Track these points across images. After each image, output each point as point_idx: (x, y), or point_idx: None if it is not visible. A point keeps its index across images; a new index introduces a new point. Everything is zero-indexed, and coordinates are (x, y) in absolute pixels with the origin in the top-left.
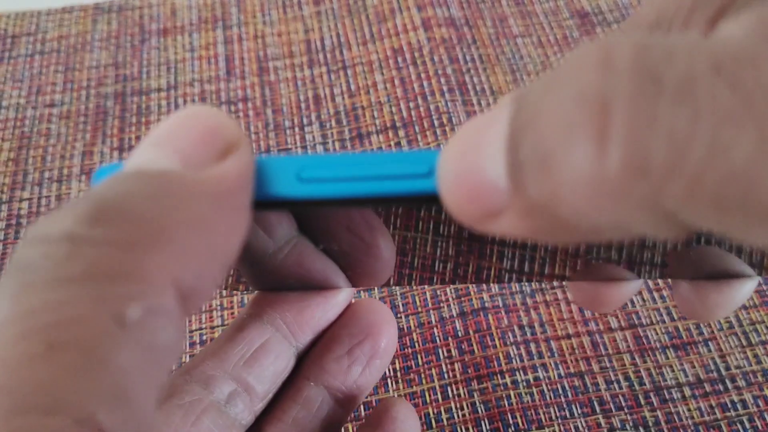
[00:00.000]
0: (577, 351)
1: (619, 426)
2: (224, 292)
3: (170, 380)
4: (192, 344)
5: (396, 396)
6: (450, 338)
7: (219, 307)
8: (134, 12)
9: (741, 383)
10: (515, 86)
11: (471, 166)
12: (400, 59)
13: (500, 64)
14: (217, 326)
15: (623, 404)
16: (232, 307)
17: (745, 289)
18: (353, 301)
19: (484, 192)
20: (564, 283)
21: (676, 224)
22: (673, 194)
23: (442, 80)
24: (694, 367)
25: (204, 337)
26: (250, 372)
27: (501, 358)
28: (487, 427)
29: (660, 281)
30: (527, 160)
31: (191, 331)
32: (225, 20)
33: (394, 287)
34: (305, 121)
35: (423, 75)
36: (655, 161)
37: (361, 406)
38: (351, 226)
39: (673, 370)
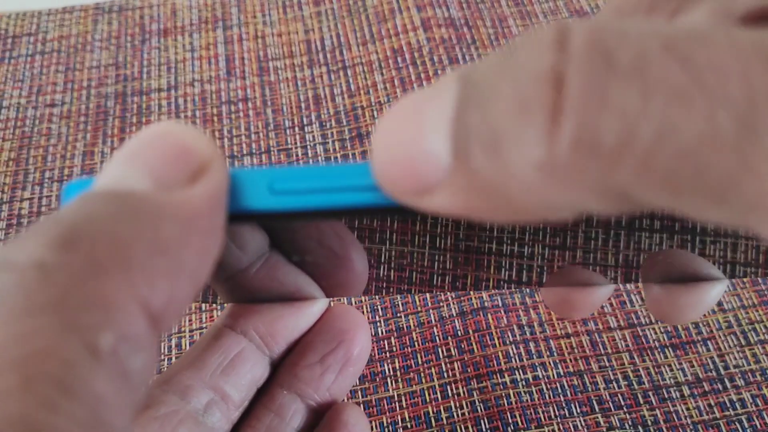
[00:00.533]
0: (576, 350)
1: (618, 425)
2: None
3: (146, 392)
4: (169, 348)
5: (348, 401)
6: (449, 337)
7: (198, 310)
8: (135, 12)
9: (740, 382)
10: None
11: (410, 140)
12: (399, 59)
13: None
14: (196, 329)
15: (622, 403)
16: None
17: (715, 291)
18: (328, 306)
19: (421, 166)
20: (536, 288)
21: (627, 201)
22: (624, 172)
23: None
24: (692, 366)
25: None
26: (226, 381)
27: (500, 357)
28: (487, 426)
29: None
30: (476, 138)
31: (170, 335)
32: (225, 20)
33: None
34: (305, 121)
35: (423, 75)
36: (607, 139)
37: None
38: (322, 238)
39: (671, 369)
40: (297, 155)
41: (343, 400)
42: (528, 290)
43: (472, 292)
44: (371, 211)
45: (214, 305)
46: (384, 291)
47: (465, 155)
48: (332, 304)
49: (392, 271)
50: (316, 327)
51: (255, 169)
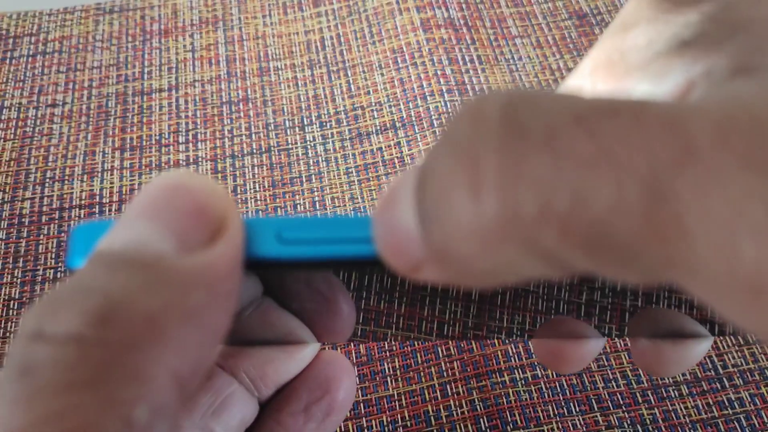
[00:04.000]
0: None
1: (616, 423)
2: None
3: None
4: None
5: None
6: None
7: None
8: (136, 13)
9: (738, 381)
10: (514, 87)
11: (390, 224)
12: (399, 60)
13: (499, 65)
14: None
15: (621, 402)
16: None
17: (701, 348)
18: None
19: (404, 246)
20: (527, 340)
21: (558, 265)
22: (547, 238)
23: (442, 81)
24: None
25: None
26: (217, 421)
27: (500, 356)
28: (486, 425)
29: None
30: (426, 213)
31: None
32: (226, 21)
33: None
34: (305, 121)
35: (422, 75)
36: (525, 209)
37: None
38: (313, 285)
39: None
40: (297, 155)
41: None
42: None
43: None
44: (375, 263)
45: None
46: (371, 336)
47: (425, 231)
48: (321, 349)
49: (379, 318)
50: (302, 373)
51: (263, 219)
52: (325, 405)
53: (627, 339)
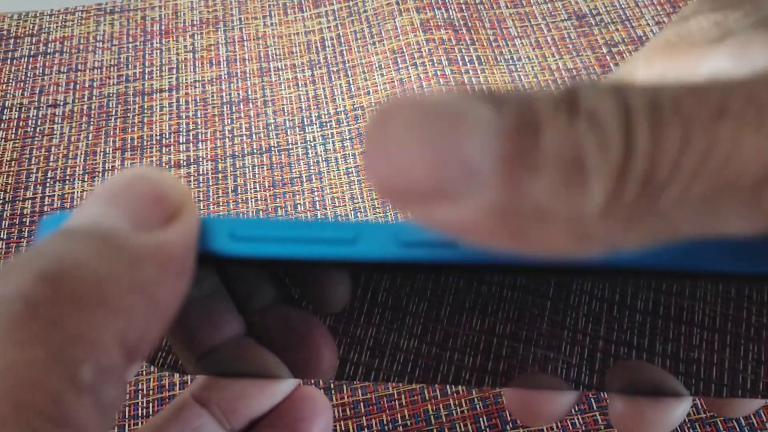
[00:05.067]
0: None
1: None
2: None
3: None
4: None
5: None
6: None
7: None
8: (136, 13)
9: None
10: (513, 87)
11: (446, 142)
12: (399, 60)
13: (498, 65)
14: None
15: None
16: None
17: (680, 409)
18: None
19: (453, 170)
20: (502, 390)
21: (667, 228)
22: (671, 196)
23: (441, 81)
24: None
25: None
26: None
27: None
28: (486, 424)
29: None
30: (543, 167)
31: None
32: (226, 22)
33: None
34: (306, 121)
35: (422, 76)
36: (661, 168)
37: None
38: (290, 322)
39: None
40: (297, 155)
41: None
42: None
43: None
44: (330, 264)
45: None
46: (350, 376)
47: (516, 177)
48: (299, 384)
49: (362, 356)
50: (275, 411)
51: (220, 218)
52: None
53: (604, 394)
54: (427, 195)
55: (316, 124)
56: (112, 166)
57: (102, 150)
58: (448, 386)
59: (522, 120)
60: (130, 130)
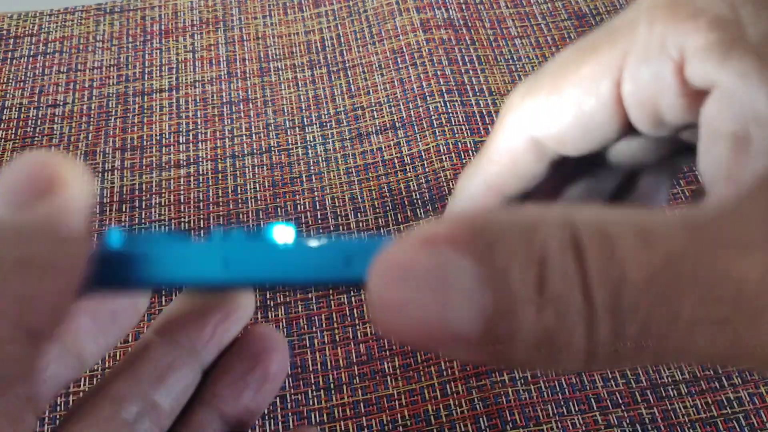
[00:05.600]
0: None
1: (615, 423)
2: None
3: (82, 401)
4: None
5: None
6: None
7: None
8: (136, 13)
9: (737, 381)
10: (513, 87)
11: (435, 314)
12: (399, 60)
13: (498, 65)
14: None
15: (620, 401)
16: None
17: None
18: (248, 326)
19: (447, 332)
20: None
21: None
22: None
23: (441, 81)
24: (690, 364)
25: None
26: (158, 390)
27: None
28: (486, 424)
29: None
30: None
31: None
32: (226, 21)
33: None
34: (306, 121)
35: (422, 76)
36: (625, 348)
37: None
38: None
39: (669, 368)
40: (297, 155)
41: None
42: None
43: None
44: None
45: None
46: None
47: (496, 348)
48: (249, 326)
49: None
50: (235, 347)
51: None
52: (259, 374)
53: None
54: (425, 342)
55: (316, 124)
56: (111, 166)
57: (102, 150)
58: (447, 385)
59: (499, 305)
60: (129, 130)
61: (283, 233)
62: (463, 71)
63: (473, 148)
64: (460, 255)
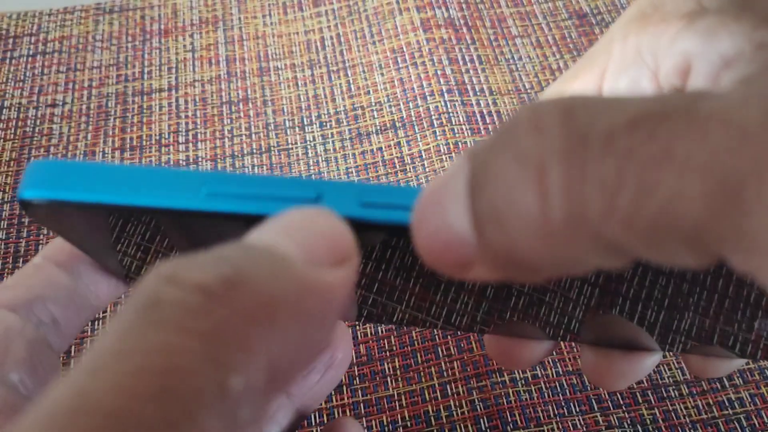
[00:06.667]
0: (575, 349)
1: (616, 423)
2: None
3: None
4: None
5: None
6: (449, 336)
7: None
8: (136, 13)
9: (738, 381)
10: (514, 86)
11: (439, 225)
12: (399, 60)
13: (499, 65)
14: None
15: (621, 402)
16: None
17: (650, 361)
18: None
19: (455, 246)
20: (481, 335)
21: (620, 255)
22: (612, 231)
23: (442, 81)
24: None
25: None
26: None
27: None
28: (486, 425)
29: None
30: (484, 215)
31: None
32: (226, 21)
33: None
34: (306, 121)
35: (422, 75)
36: (592, 207)
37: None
38: None
39: (670, 368)
40: (297, 155)
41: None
42: None
43: None
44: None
45: None
46: (378, 316)
47: (482, 231)
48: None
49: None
50: None
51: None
52: (326, 358)
53: (577, 345)
54: (454, 269)
55: (316, 123)
56: None
57: (101, 150)
58: (447, 386)
59: (477, 178)
60: (129, 129)
61: None
62: (463, 71)
63: None
64: (456, 170)
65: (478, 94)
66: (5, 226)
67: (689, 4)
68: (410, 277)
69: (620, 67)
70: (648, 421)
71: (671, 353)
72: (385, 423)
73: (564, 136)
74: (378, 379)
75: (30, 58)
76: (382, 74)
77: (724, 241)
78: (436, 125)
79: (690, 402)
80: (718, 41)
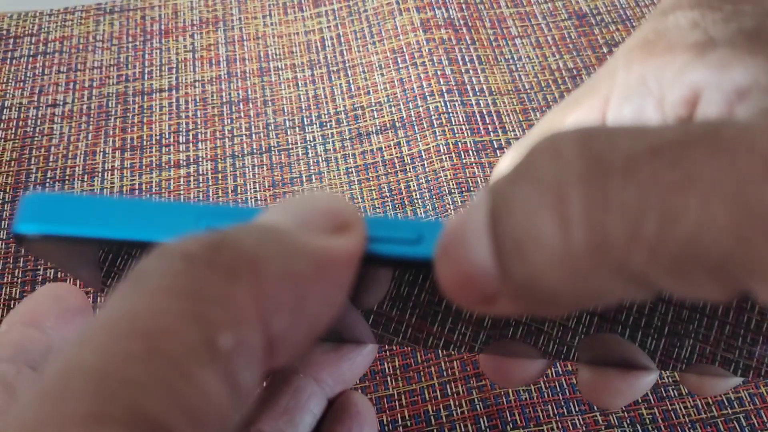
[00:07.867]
0: None
1: (616, 423)
2: None
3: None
4: None
5: (355, 391)
6: None
7: None
8: (136, 13)
9: None
10: (513, 87)
11: (461, 259)
12: (399, 60)
13: (498, 65)
14: None
15: None
16: None
17: (647, 380)
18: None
19: (478, 280)
20: (476, 354)
21: (644, 286)
22: (636, 261)
23: (441, 81)
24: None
25: None
26: (291, 423)
27: None
28: (486, 425)
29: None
30: (506, 246)
31: None
32: (226, 21)
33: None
34: (306, 121)
35: (422, 76)
36: (614, 235)
37: None
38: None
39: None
40: (297, 155)
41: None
42: None
43: None
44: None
45: None
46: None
47: (503, 264)
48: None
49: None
50: (334, 407)
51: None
52: (355, 347)
53: (574, 364)
54: (478, 304)
55: (316, 124)
56: (111, 166)
57: (102, 150)
58: (447, 386)
59: (497, 210)
60: (129, 129)
61: None
62: (463, 71)
63: (473, 148)
64: (477, 204)
65: (478, 94)
66: (5, 226)
67: (696, 34)
68: (407, 309)
69: (624, 95)
70: (647, 421)
71: (668, 372)
72: (385, 422)
73: (583, 162)
74: (378, 378)
75: (31, 59)
76: (382, 74)
77: (751, 273)
78: (435, 125)
79: (689, 401)
80: (732, 73)
